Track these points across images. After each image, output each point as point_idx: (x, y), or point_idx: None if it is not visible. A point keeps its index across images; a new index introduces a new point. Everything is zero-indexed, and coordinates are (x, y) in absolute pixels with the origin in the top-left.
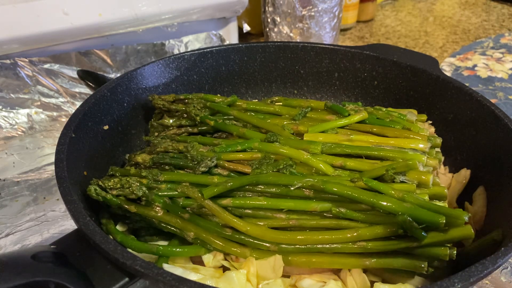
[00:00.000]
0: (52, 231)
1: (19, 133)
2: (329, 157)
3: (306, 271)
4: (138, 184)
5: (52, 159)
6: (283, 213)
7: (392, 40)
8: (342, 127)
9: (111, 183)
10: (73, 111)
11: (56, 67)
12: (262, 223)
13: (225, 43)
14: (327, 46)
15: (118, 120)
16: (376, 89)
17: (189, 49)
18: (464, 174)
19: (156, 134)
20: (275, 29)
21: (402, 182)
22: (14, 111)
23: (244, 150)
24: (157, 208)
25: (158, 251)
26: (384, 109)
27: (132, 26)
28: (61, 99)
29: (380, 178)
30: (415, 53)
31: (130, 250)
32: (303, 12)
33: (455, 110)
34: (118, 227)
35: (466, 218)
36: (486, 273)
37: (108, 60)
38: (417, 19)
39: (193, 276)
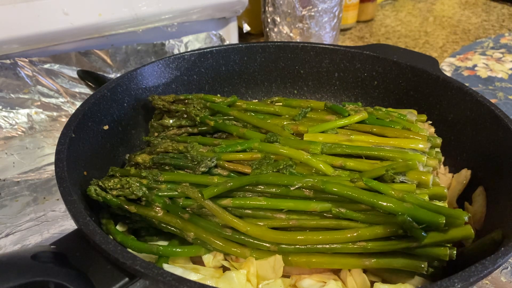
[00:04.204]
0: (52, 231)
1: (19, 133)
2: (329, 157)
3: (306, 271)
4: (138, 185)
5: (52, 159)
6: (283, 213)
7: (392, 40)
8: (342, 127)
9: (111, 183)
10: (73, 111)
11: (56, 67)
12: (262, 223)
13: (225, 43)
14: (327, 46)
15: (118, 120)
16: (376, 89)
17: (189, 49)
18: (465, 174)
19: (156, 134)
20: (275, 29)
21: (402, 182)
22: (14, 111)
23: (244, 150)
24: (157, 208)
25: (158, 251)
26: (384, 109)
27: (132, 26)
28: (61, 99)
29: (380, 178)
30: (415, 53)
31: (130, 250)
32: (303, 12)
33: (455, 110)
34: (118, 227)
35: (466, 218)
36: (486, 273)
37: (108, 60)
38: (417, 19)
39: (193, 276)
